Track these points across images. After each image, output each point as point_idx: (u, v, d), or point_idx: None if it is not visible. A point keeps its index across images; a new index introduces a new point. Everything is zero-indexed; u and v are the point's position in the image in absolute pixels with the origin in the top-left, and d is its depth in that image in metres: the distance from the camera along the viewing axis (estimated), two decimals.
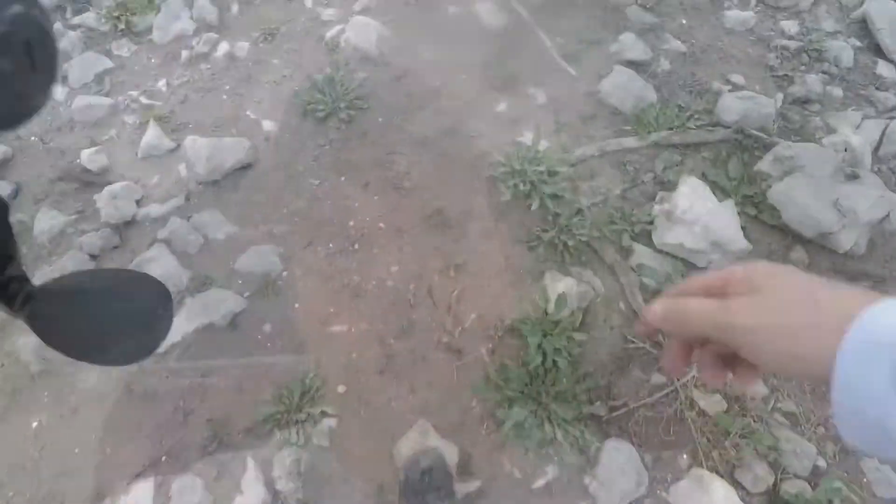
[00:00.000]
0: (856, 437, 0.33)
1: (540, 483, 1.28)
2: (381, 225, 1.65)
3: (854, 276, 1.59)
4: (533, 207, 1.63)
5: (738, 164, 1.78)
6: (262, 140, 1.86)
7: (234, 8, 2.30)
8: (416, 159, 1.79)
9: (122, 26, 2.21)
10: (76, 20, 2.24)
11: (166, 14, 2.23)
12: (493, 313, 1.48)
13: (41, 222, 1.65)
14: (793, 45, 2.18)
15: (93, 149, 1.82)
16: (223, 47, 2.15)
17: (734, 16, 2.25)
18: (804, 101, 2.05)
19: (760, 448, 1.29)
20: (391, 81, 2.01)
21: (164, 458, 1.29)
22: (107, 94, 2.02)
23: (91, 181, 1.74)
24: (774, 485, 1.27)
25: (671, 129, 1.86)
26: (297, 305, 1.49)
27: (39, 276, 1.53)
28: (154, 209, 1.67)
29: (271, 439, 1.30)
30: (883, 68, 2.13)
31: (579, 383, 1.36)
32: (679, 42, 2.15)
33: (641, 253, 1.60)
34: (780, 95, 2.04)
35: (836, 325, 0.32)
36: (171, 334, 1.41)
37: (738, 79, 2.07)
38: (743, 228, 1.61)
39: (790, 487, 1.25)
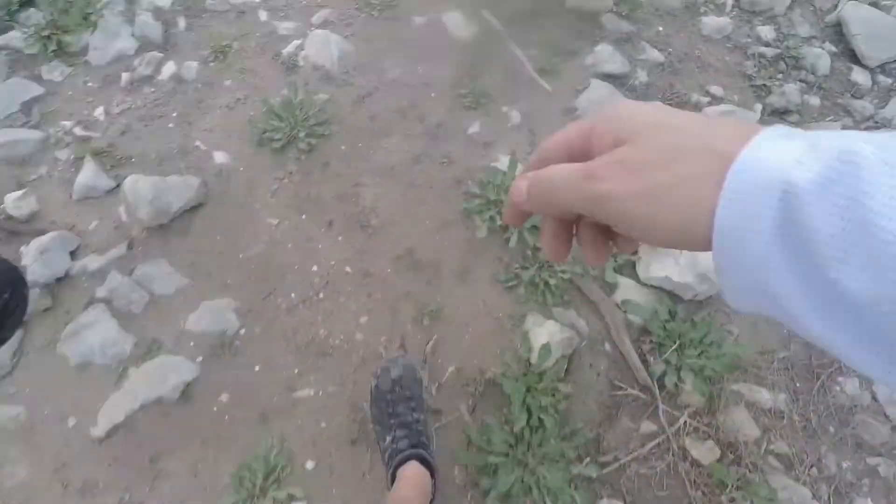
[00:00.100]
0: (740, 302, 0.28)
1: None
2: (348, 269, 1.51)
3: None
4: (511, 244, 1.52)
5: None
6: (214, 175, 1.69)
7: (181, 23, 2.09)
8: (382, 191, 1.66)
9: (53, 47, 1.97)
10: None
11: (104, 32, 2.01)
12: (471, 365, 1.37)
13: None
14: (770, 52, 2.11)
15: (19, 192, 1.61)
16: (169, 68, 1.95)
17: (711, 22, 2.17)
18: (783, 112, 2.00)
19: (758, 501, 1.23)
20: (354, 103, 1.86)
21: None
22: (35, 126, 1.81)
23: (17, 230, 1.54)
24: None
25: None
26: (257, 368, 1.35)
27: None
28: (92, 261, 1.49)
29: None
30: (858, 75, 2.09)
31: (567, 440, 1.27)
32: (657, 51, 2.05)
33: (626, 287, 1.52)
34: (758, 106, 1.98)
35: (715, 172, 0.25)
36: (112, 414, 1.26)
37: (717, 90, 2.00)
38: None
39: None
